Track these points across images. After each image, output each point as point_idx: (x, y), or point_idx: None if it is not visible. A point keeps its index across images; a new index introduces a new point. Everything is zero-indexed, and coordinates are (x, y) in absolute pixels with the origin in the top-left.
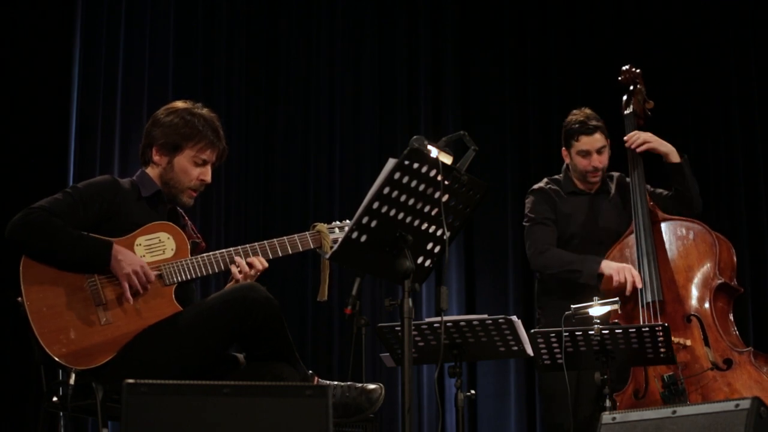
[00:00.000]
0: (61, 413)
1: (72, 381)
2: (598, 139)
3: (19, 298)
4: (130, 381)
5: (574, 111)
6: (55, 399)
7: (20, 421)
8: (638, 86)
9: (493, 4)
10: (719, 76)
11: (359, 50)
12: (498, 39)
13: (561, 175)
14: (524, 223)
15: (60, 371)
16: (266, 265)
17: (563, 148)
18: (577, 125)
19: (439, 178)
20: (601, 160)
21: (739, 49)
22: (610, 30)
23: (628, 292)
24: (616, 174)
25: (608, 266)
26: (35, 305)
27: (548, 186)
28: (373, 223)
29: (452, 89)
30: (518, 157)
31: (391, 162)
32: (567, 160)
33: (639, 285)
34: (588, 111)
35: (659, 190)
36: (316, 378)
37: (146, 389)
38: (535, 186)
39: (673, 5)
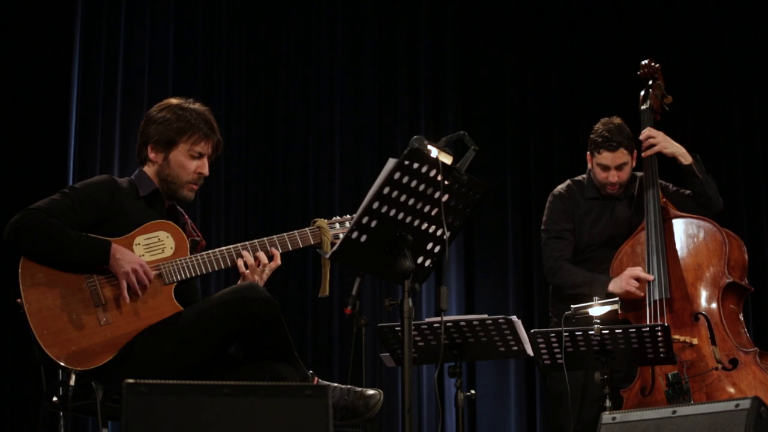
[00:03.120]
0: (61, 413)
1: (72, 381)
2: (619, 156)
3: (19, 300)
4: (130, 381)
5: (604, 120)
6: (55, 399)
7: (20, 421)
8: (657, 81)
9: (493, 4)
10: (719, 76)
11: (359, 50)
12: (498, 39)
13: (585, 176)
14: (541, 233)
15: (60, 371)
16: (279, 261)
17: (588, 153)
18: (600, 139)
19: (439, 178)
20: (620, 176)
21: (739, 49)
22: (611, 30)
23: (642, 294)
24: (639, 174)
25: (618, 286)
26: (34, 306)
27: (568, 190)
28: (373, 223)
29: (452, 89)
30: (518, 157)
31: (391, 162)
32: (589, 165)
33: (650, 278)
34: (617, 122)
35: (681, 190)
36: (316, 378)
37: (146, 389)
38: (556, 189)
39: (673, 5)
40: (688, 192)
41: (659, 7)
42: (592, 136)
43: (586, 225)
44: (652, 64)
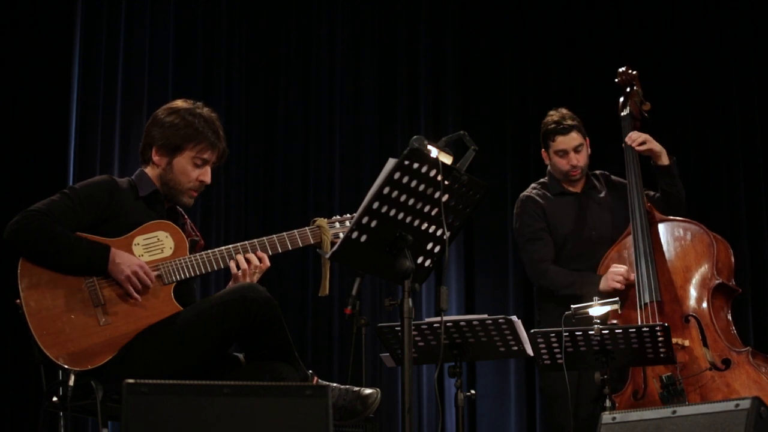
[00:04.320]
0: (61, 413)
1: (72, 381)
2: (574, 138)
3: (18, 300)
4: (130, 381)
5: (550, 112)
6: (55, 399)
7: (20, 421)
8: (635, 88)
9: (493, 4)
10: (719, 76)
11: (359, 50)
12: (498, 39)
13: (546, 177)
14: (517, 239)
15: (60, 371)
16: (268, 263)
17: (542, 150)
18: (552, 125)
19: (439, 178)
20: (578, 159)
21: (739, 49)
22: (610, 30)
23: (631, 281)
24: (599, 172)
25: (605, 284)
26: (33, 307)
27: (535, 191)
28: (373, 223)
29: (452, 89)
30: (518, 157)
31: (391, 162)
32: (547, 161)
33: (631, 277)
34: (564, 111)
35: (647, 191)
36: (316, 378)
37: (146, 389)
38: (522, 194)
39: (673, 5)
40: (654, 193)
41: (659, 7)
42: (542, 130)
43: (559, 220)
44: (629, 71)
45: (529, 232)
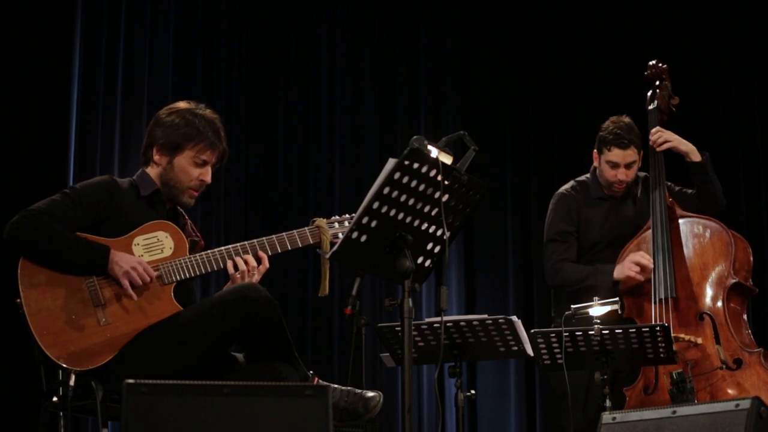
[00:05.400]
0: (61, 413)
1: (72, 381)
2: (629, 154)
3: (18, 300)
4: (130, 381)
5: (614, 118)
6: (55, 399)
7: (20, 421)
8: (664, 81)
9: (493, 4)
10: (719, 76)
11: (359, 50)
12: (498, 39)
13: (589, 176)
14: (543, 234)
15: (60, 371)
16: (267, 264)
17: (594, 150)
18: (611, 136)
19: (439, 178)
20: (628, 174)
21: (739, 49)
22: (611, 30)
23: (647, 275)
24: (642, 174)
25: (620, 272)
26: (34, 307)
27: (573, 191)
28: (373, 223)
29: (452, 89)
30: (518, 157)
31: (391, 162)
32: (596, 163)
33: (650, 266)
34: (627, 121)
35: (685, 189)
36: (316, 378)
37: (146, 389)
38: (560, 190)
39: (673, 5)
40: (691, 191)
41: (659, 7)
42: (601, 133)
43: (592, 225)
44: (660, 64)
45: (555, 233)
